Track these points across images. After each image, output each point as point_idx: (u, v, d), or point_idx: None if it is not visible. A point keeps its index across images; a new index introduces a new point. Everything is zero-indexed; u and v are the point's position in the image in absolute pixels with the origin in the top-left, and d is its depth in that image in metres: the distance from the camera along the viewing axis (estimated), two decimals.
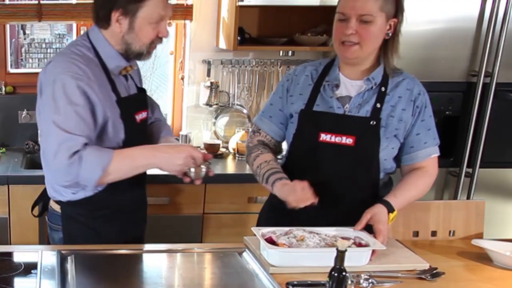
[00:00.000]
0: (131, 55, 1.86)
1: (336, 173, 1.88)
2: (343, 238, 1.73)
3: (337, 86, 1.89)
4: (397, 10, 1.80)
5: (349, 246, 1.65)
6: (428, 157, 1.90)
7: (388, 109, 1.85)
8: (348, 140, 1.84)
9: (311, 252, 1.66)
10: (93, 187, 1.83)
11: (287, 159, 2.01)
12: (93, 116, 1.78)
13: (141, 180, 1.99)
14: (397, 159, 1.94)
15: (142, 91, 2.05)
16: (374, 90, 1.86)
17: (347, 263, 1.53)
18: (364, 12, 1.76)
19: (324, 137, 1.86)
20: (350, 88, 1.89)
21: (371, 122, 1.84)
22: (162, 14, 1.79)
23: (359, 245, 1.72)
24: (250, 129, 2.13)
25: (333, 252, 1.42)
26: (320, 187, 1.83)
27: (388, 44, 1.85)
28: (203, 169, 1.82)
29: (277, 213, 1.98)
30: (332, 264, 1.43)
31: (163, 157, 1.79)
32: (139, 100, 2.00)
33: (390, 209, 1.81)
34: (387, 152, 1.87)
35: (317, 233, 1.73)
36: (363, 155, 1.86)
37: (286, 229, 1.76)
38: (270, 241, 1.70)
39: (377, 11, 1.76)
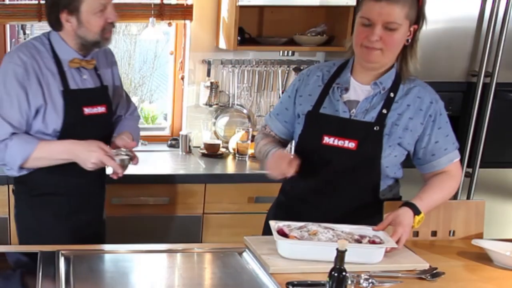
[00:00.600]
0: (89, 46, 2.03)
1: (337, 175, 1.89)
2: (360, 236, 1.74)
3: (347, 89, 1.89)
4: (419, 16, 1.79)
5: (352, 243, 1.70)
6: (450, 162, 1.91)
7: (394, 117, 1.84)
8: (350, 144, 1.84)
9: (320, 246, 1.67)
10: (17, 170, 2.01)
11: None
12: (28, 104, 1.95)
13: (84, 171, 2.00)
14: (408, 165, 1.96)
15: (103, 87, 2.13)
16: (382, 96, 1.85)
17: (358, 260, 1.60)
18: (391, 20, 1.74)
19: (327, 140, 1.87)
20: (359, 92, 1.88)
21: (375, 128, 1.83)
22: (102, 2, 1.95)
23: (373, 243, 1.72)
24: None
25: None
26: (321, 188, 1.87)
27: (407, 50, 1.84)
28: (125, 158, 2.01)
29: (283, 211, 2.01)
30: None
31: (78, 153, 1.94)
32: (94, 94, 2.09)
33: (416, 212, 1.81)
34: (389, 160, 1.87)
35: (332, 229, 1.74)
36: (365, 159, 1.86)
37: (302, 223, 1.76)
38: (282, 233, 1.71)
39: (403, 18, 1.75)
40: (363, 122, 1.85)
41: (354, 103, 1.88)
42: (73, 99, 2.02)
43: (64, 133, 2.00)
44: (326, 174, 1.89)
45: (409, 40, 1.81)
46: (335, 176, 1.89)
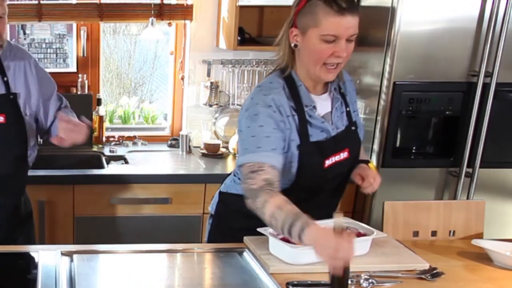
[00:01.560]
0: None
1: (337, 184, 1.91)
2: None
3: (315, 107, 1.81)
4: None
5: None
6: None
7: (353, 108, 1.91)
8: (344, 154, 1.86)
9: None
10: None
11: (291, 184, 1.85)
12: None
13: None
14: None
15: (5, 94, 1.99)
16: (339, 98, 1.86)
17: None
18: (355, 32, 1.70)
19: (328, 162, 1.82)
20: (323, 103, 1.84)
21: (352, 128, 1.88)
22: None
23: (359, 234, 1.75)
24: (245, 172, 1.74)
25: None
26: (321, 198, 1.87)
27: None
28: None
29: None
30: None
31: None
32: None
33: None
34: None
35: None
36: (354, 158, 1.90)
37: None
38: (286, 240, 1.66)
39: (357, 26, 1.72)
40: (345, 129, 1.86)
41: (327, 116, 1.85)
42: None
43: None
44: (329, 187, 1.89)
45: None
46: (336, 186, 1.91)
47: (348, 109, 1.88)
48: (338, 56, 1.70)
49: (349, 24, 1.67)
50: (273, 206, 1.62)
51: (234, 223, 1.95)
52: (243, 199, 1.74)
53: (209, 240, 2.06)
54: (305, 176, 1.80)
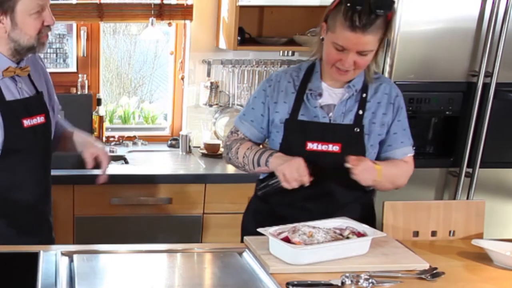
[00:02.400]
0: (23, 51, 1.84)
1: (323, 178, 1.88)
2: (340, 229, 1.77)
3: (320, 94, 1.90)
4: (387, 29, 1.78)
5: (348, 237, 1.73)
6: (404, 155, 1.96)
7: (370, 116, 1.89)
8: (334, 148, 1.87)
9: (334, 247, 1.68)
10: None
11: None
12: None
13: None
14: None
15: (39, 94, 1.94)
16: (356, 97, 1.89)
17: (351, 254, 1.67)
18: (365, 49, 1.76)
19: (311, 146, 1.88)
20: (333, 96, 1.91)
21: (355, 129, 1.87)
22: (40, 3, 1.77)
23: (359, 234, 1.75)
24: (230, 131, 2.11)
25: (347, 244, 1.66)
26: (309, 192, 1.86)
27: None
28: None
29: (263, 215, 2.01)
30: (345, 255, 1.65)
31: None
32: (31, 104, 1.90)
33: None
34: (372, 158, 1.91)
35: (318, 227, 1.74)
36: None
37: (290, 226, 1.75)
38: (287, 240, 1.68)
39: (375, 43, 1.77)
40: (343, 125, 1.88)
41: (330, 107, 1.90)
42: (10, 112, 1.83)
43: (6, 149, 1.83)
44: (313, 178, 1.86)
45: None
46: (322, 179, 1.87)
47: (361, 112, 1.88)
48: (343, 65, 1.78)
49: (358, 41, 1.73)
50: (244, 149, 1.97)
51: (254, 206, 2.13)
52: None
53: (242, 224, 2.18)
54: (287, 154, 1.87)
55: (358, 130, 1.88)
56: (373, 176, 1.82)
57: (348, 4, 1.72)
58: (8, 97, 1.84)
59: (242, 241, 1.93)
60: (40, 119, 1.91)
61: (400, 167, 1.95)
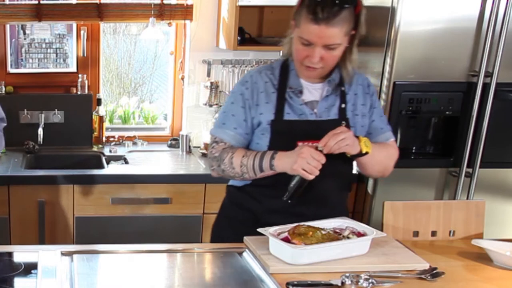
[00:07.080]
0: None
1: (314, 180, 1.80)
2: (340, 229, 1.77)
3: (301, 92, 1.88)
4: (356, 23, 1.77)
5: (348, 237, 1.73)
6: (386, 141, 1.96)
7: (351, 108, 1.90)
8: None
9: (333, 246, 1.68)
10: None
11: None
12: None
13: None
14: None
15: None
16: (335, 92, 1.89)
17: (351, 254, 1.67)
18: (331, 42, 1.74)
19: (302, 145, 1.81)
20: (313, 91, 1.89)
21: (342, 123, 1.86)
22: None
23: (359, 234, 1.75)
24: (210, 142, 1.98)
25: (347, 244, 1.67)
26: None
27: (346, 54, 1.83)
28: None
29: (241, 223, 1.97)
30: (345, 255, 1.65)
31: None
32: None
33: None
34: None
35: (317, 227, 1.73)
36: (340, 155, 1.82)
37: (289, 226, 1.75)
38: (287, 240, 1.68)
39: (342, 36, 1.75)
40: (331, 121, 1.87)
41: (313, 103, 1.89)
42: None
43: None
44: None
45: (347, 44, 1.80)
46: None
47: (343, 105, 1.89)
48: (310, 61, 1.77)
49: (323, 34, 1.72)
50: (239, 157, 1.86)
51: (232, 213, 2.05)
52: (241, 192, 1.95)
53: (212, 232, 2.13)
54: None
55: (344, 123, 1.86)
56: (357, 141, 1.78)
57: None
58: None
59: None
60: None
61: (386, 149, 1.93)
